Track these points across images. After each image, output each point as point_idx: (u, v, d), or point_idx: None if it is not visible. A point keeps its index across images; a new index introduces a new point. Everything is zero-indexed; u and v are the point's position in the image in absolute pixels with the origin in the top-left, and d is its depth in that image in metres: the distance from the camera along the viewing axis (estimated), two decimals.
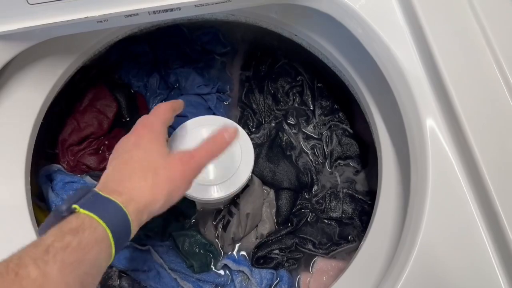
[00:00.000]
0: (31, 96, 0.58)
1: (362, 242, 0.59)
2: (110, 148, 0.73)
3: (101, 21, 0.51)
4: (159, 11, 0.51)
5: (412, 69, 0.51)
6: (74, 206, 0.33)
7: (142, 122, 0.46)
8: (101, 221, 0.33)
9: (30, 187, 0.57)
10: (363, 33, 0.54)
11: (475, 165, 0.45)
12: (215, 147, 0.45)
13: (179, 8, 0.51)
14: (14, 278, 0.27)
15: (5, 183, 0.55)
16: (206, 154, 0.44)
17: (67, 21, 0.48)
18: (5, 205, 0.54)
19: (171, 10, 0.51)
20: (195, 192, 0.57)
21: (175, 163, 0.42)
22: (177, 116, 0.73)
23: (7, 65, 0.54)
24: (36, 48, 0.54)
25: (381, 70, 0.54)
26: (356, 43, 0.56)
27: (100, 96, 0.74)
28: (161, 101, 0.77)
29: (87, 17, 0.48)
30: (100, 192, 0.36)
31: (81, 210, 0.33)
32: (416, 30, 0.51)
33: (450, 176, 0.46)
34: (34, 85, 0.59)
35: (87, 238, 0.32)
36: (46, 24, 0.48)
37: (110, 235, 0.34)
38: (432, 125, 0.47)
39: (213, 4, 0.51)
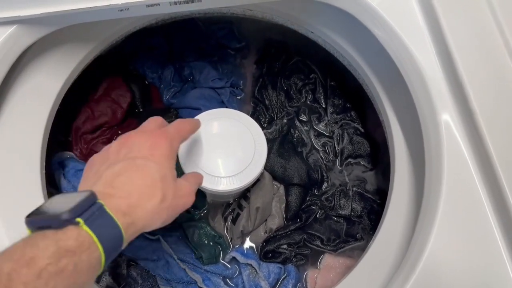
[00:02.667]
0: (49, 83, 0.59)
1: (371, 241, 0.59)
2: None
3: (122, 10, 0.52)
4: (180, 2, 0.51)
5: (429, 66, 0.50)
6: (78, 220, 0.31)
7: (163, 131, 0.44)
8: (100, 246, 0.32)
9: (45, 172, 0.58)
10: (380, 30, 0.54)
11: (490, 163, 0.44)
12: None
13: (200, 0, 0.52)
14: None
15: (22, 169, 0.55)
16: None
17: (90, 7, 0.48)
18: (21, 190, 0.54)
19: (192, 1, 0.52)
20: (208, 183, 0.57)
21: (184, 193, 0.42)
22: (191, 108, 0.74)
23: (26, 50, 0.54)
24: (55, 34, 0.54)
25: (396, 68, 0.54)
26: (372, 40, 0.56)
27: (115, 86, 0.75)
28: (175, 94, 0.78)
29: (110, 4, 0.49)
30: (106, 208, 0.33)
31: (84, 227, 0.31)
32: (434, 28, 0.51)
33: (465, 175, 0.46)
34: (52, 71, 0.59)
35: (83, 262, 0.30)
36: (69, 10, 0.49)
37: (103, 260, 0.32)
38: (447, 120, 0.47)
39: None
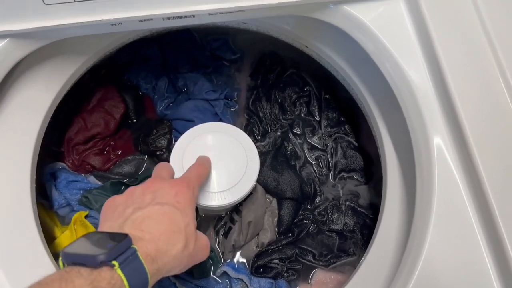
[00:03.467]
0: (41, 95, 0.58)
1: (363, 257, 0.58)
2: (115, 149, 0.73)
3: (115, 24, 0.52)
4: (173, 18, 0.51)
5: (422, 86, 0.51)
6: (114, 262, 0.33)
7: (184, 180, 0.47)
8: None
9: (35, 185, 0.58)
10: (373, 47, 0.54)
11: (481, 186, 0.45)
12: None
13: (193, 16, 0.52)
14: None
15: (11, 180, 0.55)
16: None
17: (82, 22, 0.48)
18: (10, 203, 0.54)
19: (185, 17, 0.52)
20: (201, 199, 0.57)
21: (203, 244, 0.45)
22: (184, 120, 0.74)
23: (18, 63, 0.54)
24: (48, 47, 0.54)
25: (389, 86, 0.55)
26: (366, 57, 0.56)
27: (108, 97, 0.74)
28: (169, 105, 0.78)
29: (102, 19, 0.49)
30: (139, 254, 0.35)
31: (118, 271, 0.33)
32: (427, 47, 0.51)
33: (456, 196, 0.46)
34: (44, 84, 0.59)
35: None
36: (61, 24, 0.48)
37: None
38: (439, 143, 0.48)
39: (226, 13, 0.52)
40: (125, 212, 0.41)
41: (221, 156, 0.60)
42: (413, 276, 0.45)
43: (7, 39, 0.50)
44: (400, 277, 0.47)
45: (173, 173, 0.52)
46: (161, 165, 0.52)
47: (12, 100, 0.56)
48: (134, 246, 0.35)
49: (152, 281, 0.36)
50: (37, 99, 0.58)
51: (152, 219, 0.40)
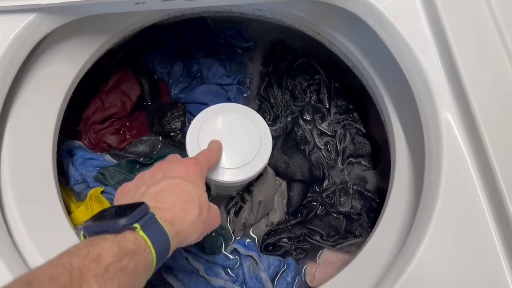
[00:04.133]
0: (64, 70, 0.61)
1: (369, 238, 0.60)
2: (131, 129, 0.75)
3: (138, 3, 0.54)
4: None
5: (431, 66, 0.53)
6: (135, 225, 0.34)
7: (193, 159, 0.49)
8: (153, 250, 0.35)
9: (56, 158, 0.60)
10: (385, 32, 0.56)
11: (488, 161, 0.46)
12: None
13: None
14: None
15: (35, 153, 0.57)
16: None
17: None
18: (34, 173, 0.56)
19: None
20: (213, 174, 0.59)
21: (214, 213, 0.47)
22: (198, 103, 0.76)
23: (44, 39, 0.56)
24: (72, 24, 0.56)
25: (399, 69, 0.56)
26: (377, 42, 0.58)
27: (125, 79, 0.77)
28: (183, 89, 0.80)
29: None
30: (157, 217, 0.37)
31: (141, 232, 0.34)
32: (438, 30, 0.53)
33: (464, 173, 0.48)
34: (68, 60, 0.61)
35: (141, 262, 0.33)
36: (89, 0, 0.51)
37: (155, 263, 0.35)
38: (448, 118, 0.49)
39: None
40: (138, 192, 0.43)
41: (236, 135, 0.62)
42: (417, 253, 0.46)
43: (36, 13, 0.52)
44: (403, 255, 0.49)
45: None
46: (170, 155, 0.53)
47: (38, 74, 0.59)
48: (152, 211, 0.37)
49: (173, 243, 0.38)
50: (61, 74, 0.60)
51: (165, 191, 0.42)
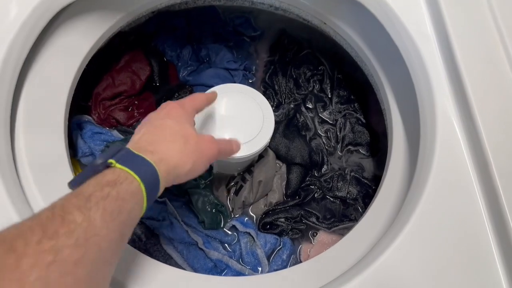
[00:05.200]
0: (80, 43, 0.63)
1: (359, 219, 0.62)
2: (139, 108, 0.78)
3: None
4: None
5: (431, 56, 0.55)
6: (110, 161, 0.35)
7: (176, 102, 0.49)
8: (136, 176, 0.35)
9: (68, 129, 0.62)
10: (389, 23, 0.59)
11: (481, 147, 0.49)
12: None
13: None
14: (61, 222, 0.29)
15: (48, 122, 0.59)
16: (226, 148, 0.52)
17: None
18: (47, 140, 0.58)
19: None
20: None
21: (205, 139, 0.46)
22: (205, 86, 0.79)
23: (61, 11, 0.59)
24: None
25: (400, 59, 0.59)
26: (380, 32, 0.61)
27: (136, 59, 0.79)
28: (191, 72, 0.83)
29: None
30: (133, 150, 0.38)
31: (117, 165, 0.35)
32: (439, 22, 0.56)
33: (457, 158, 0.50)
34: (84, 33, 0.64)
35: (124, 189, 0.34)
36: None
37: (143, 189, 0.36)
38: (444, 105, 0.52)
39: None
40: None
41: (240, 113, 0.64)
42: (407, 225, 0.48)
43: None
44: (397, 224, 0.51)
45: None
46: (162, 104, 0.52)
47: (54, 43, 0.61)
48: (126, 147, 0.38)
49: (162, 170, 0.38)
50: (76, 45, 0.63)
51: (146, 134, 0.42)
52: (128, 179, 0.35)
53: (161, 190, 0.40)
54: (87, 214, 0.30)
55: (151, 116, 0.46)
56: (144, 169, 0.37)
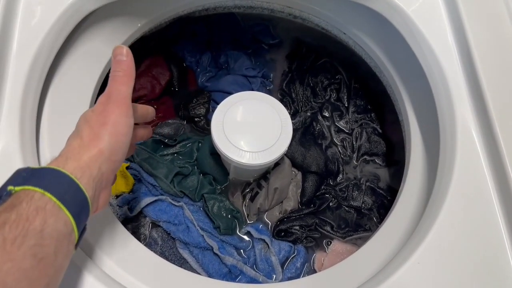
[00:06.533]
0: (103, 48, 0.65)
1: (375, 231, 0.62)
2: (158, 112, 0.79)
3: None
4: None
5: (451, 69, 0.55)
6: (9, 188, 0.31)
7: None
8: (36, 188, 0.31)
9: None
10: (410, 35, 0.59)
11: (501, 162, 0.48)
12: (122, 72, 0.42)
13: None
14: None
15: (72, 127, 0.60)
16: (121, 81, 0.41)
17: None
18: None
19: None
20: (233, 155, 0.61)
21: (99, 108, 0.39)
22: (223, 92, 0.79)
23: (87, 16, 0.60)
24: (115, 5, 0.60)
25: (419, 71, 0.59)
26: (399, 43, 0.61)
27: (157, 64, 0.81)
28: (210, 78, 0.84)
29: None
30: (32, 167, 0.34)
31: (16, 188, 0.31)
32: (460, 35, 0.56)
33: (476, 172, 0.50)
34: (107, 38, 0.65)
35: (25, 209, 0.29)
36: None
37: (52, 198, 0.31)
38: (464, 117, 0.52)
39: None
40: None
41: (258, 121, 0.65)
42: (426, 239, 0.47)
43: None
44: (415, 238, 0.51)
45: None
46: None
47: (78, 49, 0.62)
48: (28, 166, 0.34)
49: (71, 166, 0.34)
50: (100, 51, 0.64)
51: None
52: (28, 195, 0.30)
53: (93, 188, 0.35)
54: None
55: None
56: (46, 178, 0.32)
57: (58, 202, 0.31)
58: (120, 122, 0.39)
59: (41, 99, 0.57)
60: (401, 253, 0.51)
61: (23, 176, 0.32)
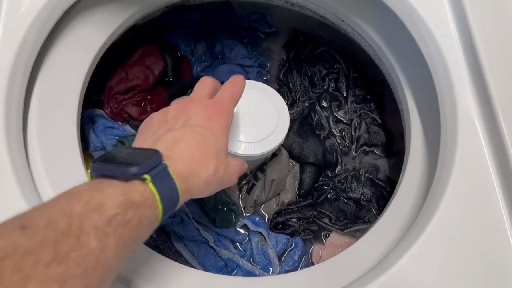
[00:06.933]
0: (94, 36, 0.63)
1: (374, 222, 0.61)
2: (151, 103, 0.77)
3: None
4: None
5: (453, 57, 0.53)
6: (146, 176, 0.32)
7: (219, 103, 0.43)
8: (160, 205, 0.32)
9: (80, 121, 0.62)
10: (410, 20, 0.57)
11: (504, 150, 0.46)
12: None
13: None
14: (75, 243, 0.26)
15: (61, 115, 0.58)
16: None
17: None
18: (59, 131, 0.58)
19: None
20: (229, 146, 0.60)
21: (231, 171, 0.42)
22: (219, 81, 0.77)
23: (76, 3, 0.58)
24: None
25: (420, 59, 0.57)
26: (399, 30, 0.59)
27: (150, 53, 0.79)
28: (205, 68, 0.82)
29: None
30: (170, 170, 0.34)
31: (150, 185, 0.32)
32: (462, 23, 0.54)
33: (479, 162, 0.48)
34: (98, 26, 0.63)
35: (146, 217, 0.31)
36: None
37: (160, 218, 0.33)
38: (466, 106, 0.50)
39: None
40: (156, 132, 0.40)
41: (254, 111, 0.63)
42: (426, 230, 0.46)
43: None
44: (415, 229, 0.50)
45: (215, 90, 0.47)
46: (203, 81, 0.47)
47: (68, 36, 0.60)
48: (165, 162, 0.34)
49: (182, 199, 0.35)
50: (91, 39, 0.62)
51: (182, 141, 0.38)
52: (153, 205, 0.32)
53: (170, 214, 0.37)
54: (102, 241, 0.27)
55: (192, 111, 0.41)
56: (170, 197, 0.34)
57: (159, 222, 0.33)
58: (231, 183, 0.44)
59: (29, 89, 0.56)
60: (401, 244, 0.50)
61: (159, 175, 0.33)
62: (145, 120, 0.44)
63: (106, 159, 0.33)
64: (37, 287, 0.23)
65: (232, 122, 0.45)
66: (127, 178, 0.31)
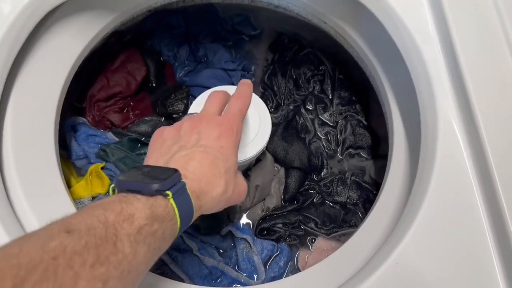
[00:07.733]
0: (72, 44, 0.62)
1: (358, 227, 0.60)
2: (134, 109, 0.76)
3: None
4: None
5: (433, 58, 0.53)
6: (168, 192, 0.34)
7: (228, 120, 0.46)
8: (179, 220, 0.35)
9: (58, 130, 0.61)
10: (390, 23, 0.57)
11: (484, 153, 0.46)
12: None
13: None
14: (113, 248, 0.29)
15: (38, 125, 0.57)
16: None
17: None
18: (36, 143, 0.57)
19: None
20: None
21: (240, 190, 0.46)
22: (202, 87, 0.77)
23: (54, 10, 0.57)
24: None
25: (402, 61, 0.57)
26: (380, 32, 0.58)
27: (132, 59, 0.78)
28: (188, 72, 0.81)
29: None
30: (187, 188, 0.37)
31: (171, 201, 0.35)
32: (441, 24, 0.54)
33: (458, 163, 0.48)
34: (76, 34, 0.62)
35: (168, 230, 0.34)
36: None
37: (178, 232, 0.36)
38: (446, 108, 0.50)
39: None
40: (171, 149, 0.42)
41: None
42: (403, 240, 0.46)
43: None
44: (396, 233, 0.49)
45: (225, 103, 0.50)
46: (213, 96, 0.50)
47: (45, 45, 0.59)
48: (183, 180, 0.37)
49: (195, 215, 0.38)
50: (68, 47, 0.61)
51: (195, 160, 0.40)
52: (173, 219, 0.35)
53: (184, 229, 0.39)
54: (134, 248, 0.30)
55: (204, 130, 0.44)
56: (187, 212, 0.36)
57: (176, 235, 0.36)
58: (239, 201, 0.48)
59: (4, 99, 0.55)
60: (382, 249, 0.50)
61: (179, 192, 0.36)
62: (156, 134, 0.46)
63: (129, 175, 0.36)
64: (85, 284, 0.26)
65: (241, 137, 0.47)
66: (151, 193, 0.34)
